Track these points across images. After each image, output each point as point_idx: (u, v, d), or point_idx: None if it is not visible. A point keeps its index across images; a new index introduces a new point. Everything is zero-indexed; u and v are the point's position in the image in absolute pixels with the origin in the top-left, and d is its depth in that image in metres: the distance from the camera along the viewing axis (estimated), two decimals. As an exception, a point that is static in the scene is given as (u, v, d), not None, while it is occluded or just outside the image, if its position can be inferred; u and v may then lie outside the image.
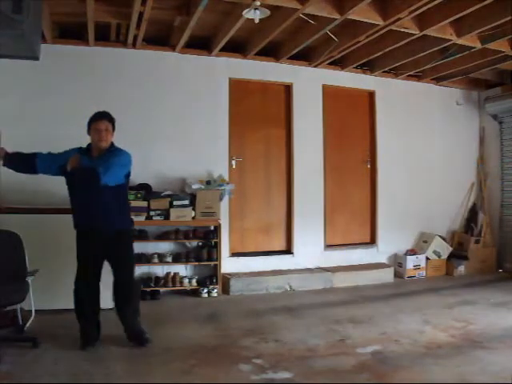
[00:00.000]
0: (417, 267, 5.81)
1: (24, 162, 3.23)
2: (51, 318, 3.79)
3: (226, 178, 5.16)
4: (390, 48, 4.82)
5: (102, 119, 3.29)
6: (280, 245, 5.60)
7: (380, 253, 5.96)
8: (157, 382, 2.71)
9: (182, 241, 4.95)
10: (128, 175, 3.43)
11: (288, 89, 5.62)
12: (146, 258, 4.76)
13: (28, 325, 3.46)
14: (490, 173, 6.52)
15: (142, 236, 4.77)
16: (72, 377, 2.74)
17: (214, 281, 4.89)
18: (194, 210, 4.79)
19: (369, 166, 6.01)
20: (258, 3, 3.59)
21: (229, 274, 5.02)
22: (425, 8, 3.82)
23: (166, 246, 4.98)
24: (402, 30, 4.27)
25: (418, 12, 3.92)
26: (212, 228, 4.98)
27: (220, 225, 4.91)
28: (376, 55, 5.12)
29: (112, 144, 3.36)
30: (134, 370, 2.87)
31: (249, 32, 4.75)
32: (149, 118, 4.98)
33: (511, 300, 4.60)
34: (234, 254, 5.30)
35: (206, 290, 4.81)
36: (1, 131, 4.24)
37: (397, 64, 5.45)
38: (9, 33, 2.80)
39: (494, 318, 3.99)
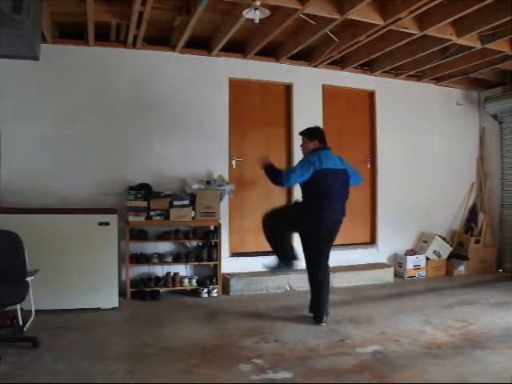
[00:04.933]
0: (417, 267, 5.81)
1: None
2: (51, 318, 3.80)
3: (226, 178, 5.16)
4: (390, 48, 4.82)
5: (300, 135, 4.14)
6: (280, 245, 5.59)
7: (380, 253, 5.96)
8: (157, 381, 2.71)
9: (182, 241, 4.96)
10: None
11: (288, 89, 5.62)
12: (145, 258, 4.76)
13: (28, 325, 3.46)
14: (490, 173, 6.52)
15: (142, 236, 4.78)
16: (72, 377, 2.74)
17: (214, 281, 4.89)
18: (193, 210, 4.79)
19: (369, 166, 6.01)
20: (258, 3, 3.59)
21: (229, 274, 5.02)
22: (425, 8, 3.81)
23: (165, 246, 4.98)
24: (402, 29, 4.27)
25: (418, 12, 3.91)
26: (212, 228, 4.98)
27: (220, 225, 4.91)
28: (376, 55, 5.12)
29: (311, 151, 4.01)
30: (134, 369, 2.87)
31: (249, 32, 4.75)
32: (149, 118, 4.98)
33: (511, 300, 4.60)
34: (233, 254, 5.30)
35: (206, 290, 4.81)
36: (1, 131, 4.25)
37: (397, 64, 5.44)
38: (9, 33, 2.79)
39: (494, 317, 3.99)
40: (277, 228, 4.03)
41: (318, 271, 3.91)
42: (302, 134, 4.13)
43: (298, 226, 4.01)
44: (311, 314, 3.96)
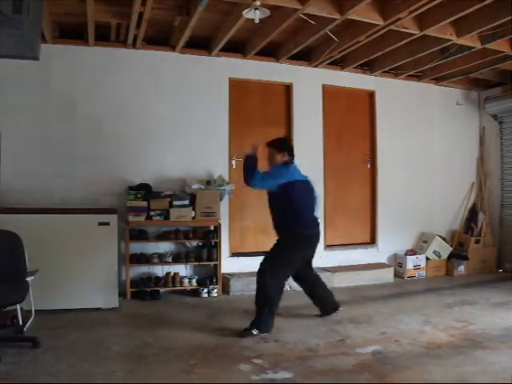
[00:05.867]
0: (417, 267, 5.81)
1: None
2: (51, 318, 3.80)
3: (226, 178, 5.16)
4: (390, 48, 4.82)
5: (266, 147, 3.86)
6: (280, 245, 5.59)
7: (380, 253, 5.96)
8: (157, 381, 2.71)
9: (182, 241, 4.96)
10: (281, 187, 3.67)
11: (288, 89, 5.62)
12: (145, 258, 4.76)
13: (28, 325, 3.46)
14: (490, 173, 6.52)
15: (142, 236, 4.78)
16: (72, 377, 2.74)
17: (214, 281, 4.89)
18: (193, 210, 4.79)
19: (369, 166, 6.01)
20: (258, 3, 3.59)
21: (229, 274, 5.02)
22: (425, 8, 3.82)
23: (166, 246, 4.98)
24: (402, 29, 4.27)
25: (418, 12, 3.92)
26: (212, 228, 4.98)
27: (220, 225, 4.91)
28: (376, 55, 5.12)
29: (283, 162, 3.81)
30: (134, 370, 2.87)
31: (249, 32, 4.75)
32: (149, 118, 4.98)
33: (511, 300, 4.60)
34: (233, 254, 5.30)
35: (206, 290, 4.81)
36: (0, 132, 4.24)
37: (397, 64, 5.44)
38: (9, 33, 2.79)
39: (494, 317, 3.99)
40: (279, 285, 3.71)
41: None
42: (269, 145, 3.83)
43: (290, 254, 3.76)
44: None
